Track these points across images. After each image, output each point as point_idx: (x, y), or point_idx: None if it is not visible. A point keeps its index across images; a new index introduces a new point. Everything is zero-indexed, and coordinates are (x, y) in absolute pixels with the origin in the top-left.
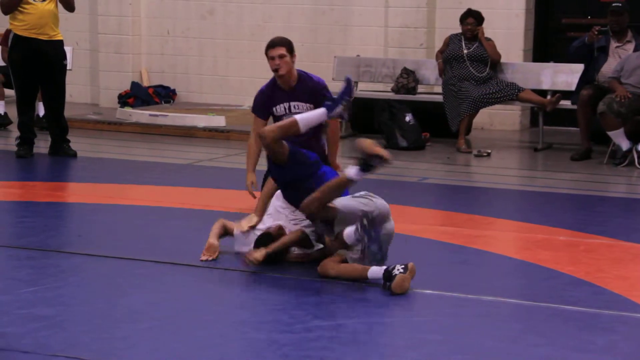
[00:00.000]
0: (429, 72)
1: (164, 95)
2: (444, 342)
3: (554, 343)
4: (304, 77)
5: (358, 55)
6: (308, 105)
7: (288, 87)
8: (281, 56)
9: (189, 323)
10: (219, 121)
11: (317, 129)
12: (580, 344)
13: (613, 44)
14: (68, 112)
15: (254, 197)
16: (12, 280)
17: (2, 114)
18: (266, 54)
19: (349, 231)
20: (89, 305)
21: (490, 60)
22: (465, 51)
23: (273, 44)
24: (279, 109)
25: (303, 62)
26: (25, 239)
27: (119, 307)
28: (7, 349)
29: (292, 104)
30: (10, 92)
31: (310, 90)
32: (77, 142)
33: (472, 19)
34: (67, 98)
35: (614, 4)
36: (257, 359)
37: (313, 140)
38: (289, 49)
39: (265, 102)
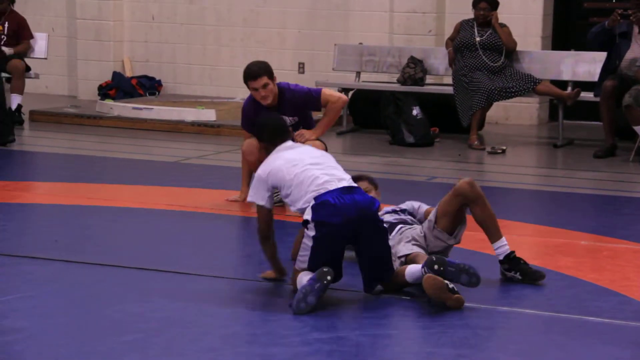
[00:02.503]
0: (438, 61)
1: (148, 86)
2: (456, 357)
3: (576, 356)
4: (284, 91)
5: (361, 43)
6: (291, 118)
7: (271, 106)
8: (265, 85)
9: (176, 336)
10: (208, 115)
11: (307, 116)
12: (605, 357)
13: (636, 29)
14: (44, 105)
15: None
16: None
17: (15, 108)
18: (247, 84)
19: (413, 272)
20: (67, 316)
21: (505, 49)
22: (477, 39)
23: (253, 75)
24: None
25: (301, 51)
26: None
27: (101, 318)
28: None
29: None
30: None
31: (293, 104)
32: (54, 138)
33: (486, 3)
34: (42, 89)
35: None
36: None
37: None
38: (269, 75)
39: (251, 118)
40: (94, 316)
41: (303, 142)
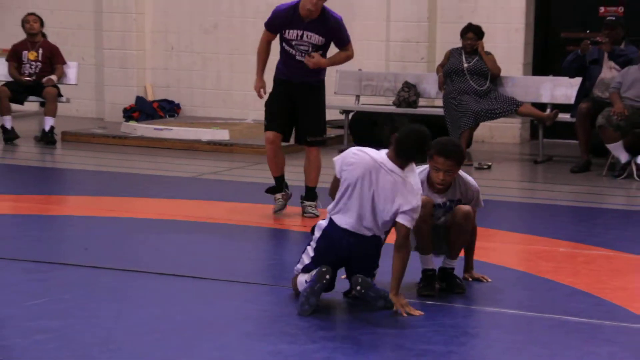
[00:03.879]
0: (430, 85)
1: (168, 109)
2: (448, 353)
3: (556, 354)
4: (326, 12)
5: (360, 70)
6: (321, 38)
7: (308, 19)
8: None
9: (195, 335)
10: (222, 135)
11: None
12: (582, 355)
13: (605, 55)
14: (74, 127)
15: (261, 97)
16: (19, 293)
17: (9, 128)
18: None
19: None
20: (96, 317)
21: (490, 74)
22: (465, 65)
23: None
24: (291, 33)
25: None
26: (31, 252)
27: (125, 318)
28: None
29: (306, 33)
30: (17, 107)
31: (327, 26)
32: (83, 156)
33: (472, 33)
34: (73, 113)
35: (608, 18)
36: None
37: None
38: None
39: (281, 23)
40: (120, 317)
41: (312, 63)
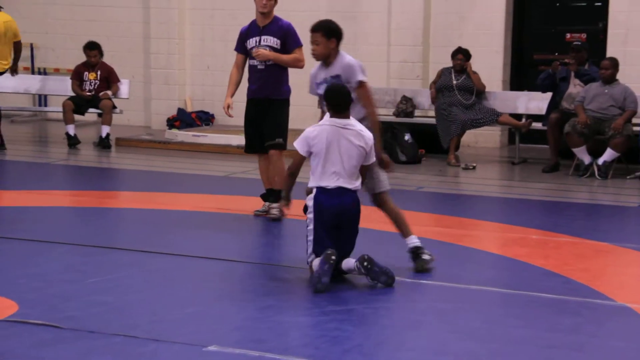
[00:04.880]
0: (424, 99)
1: (204, 119)
2: (438, 323)
3: (529, 325)
4: (276, 19)
5: None
6: (276, 40)
7: (262, 24)
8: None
9: (225, 308)
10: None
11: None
12: (551, 325)
13: (572, 74)
14: (126, 133)
15: (230, 117)
16: (80, 272)
17: (73, 135)
18: None
19: (348, 262)
20: (144, 293)
21: (475, 90)
22: (455, 82)
23: None
24: (251, 42)
25: None
26: (90, 238)
27: (169, 295)
28: (76, 329)
29: (263, 37)
30: (79, 117)
31: (281, 30)
32: (134, 159)
33: (462, 55)
34: (125, 122)
35: (574, 43)
36: (282, 337)
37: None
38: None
39: (243, 39)
40: (163, 293)
41: (260, 53)
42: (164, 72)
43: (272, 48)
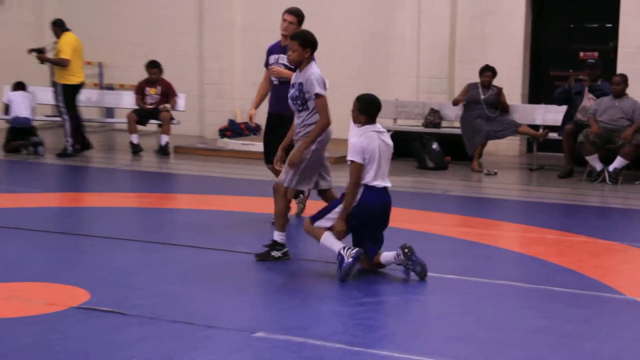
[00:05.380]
0: (450, 111)
1: (252, 129)
2: (464, 314)
3: (546, 316)
4: None
5: (397, 99)
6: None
7: (284, 44)
8: (291, 22)
9: (271, 299)
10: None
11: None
12: (566, 316)
13: (586, 89)
14: (183, 142)
15: (252, 125)
16: (144, 265)
17: (136, 143)
18: (282, 15)
19: (387, 255)
20: (198, 284)
21: (501, 107)
22: (482, 96)
23: (289, 11)
24: (272, 58)
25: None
26: (153, 235)
27: (220, 286)
28: (141, 316)
29: (281, 55)
30: (141, 128)
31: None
32: (190, 165)
33: (490, 72)
34: (182, 132)
35: (588, 60)
36: (322, 325)
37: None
38: (298, 19)
39: (268, 55)
40: (216, 284)
41: (274, 70)
42: (216, 87)
43: (286, 66)
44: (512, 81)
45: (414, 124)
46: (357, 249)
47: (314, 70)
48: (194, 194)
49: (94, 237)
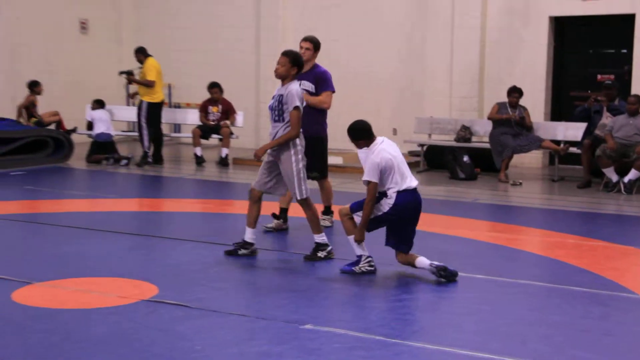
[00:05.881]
0: (479, 127)
1: None
2: (491, 310)
3: (566, 313)
4: (314, 66)
5: (431, 117)
6: (311, 85)
7: (303, 71)
8: (307, 49)
9: (317, 294)
10: (338, 160)
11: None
12: (584, 313)
13: (605, 108)
14: (241, 154)
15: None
16: (205, 264)
17: (200, 155)
18: (300, 43)
19: (422, 262)
20: (252, 280)
21: (526, 125)
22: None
23: (305, 39)
24: None
25: (394, 121)
26: (214, 237)
27: (271, 282)
28: (202, 308)
29: (301, 81)
30: (204, 142)
31: (314, 75)
32: (246, 174)
33: (517, 93)
34: (240, 145)
35: (606, 82)
36: (363, 318)
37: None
38: (314, 46)
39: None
40: (267, 280)
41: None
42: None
43: (307, 91)
44: (536, 101)
45: (446, 139)
46: (373, 268)
47: (295, 86)
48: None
49: (163, 238)
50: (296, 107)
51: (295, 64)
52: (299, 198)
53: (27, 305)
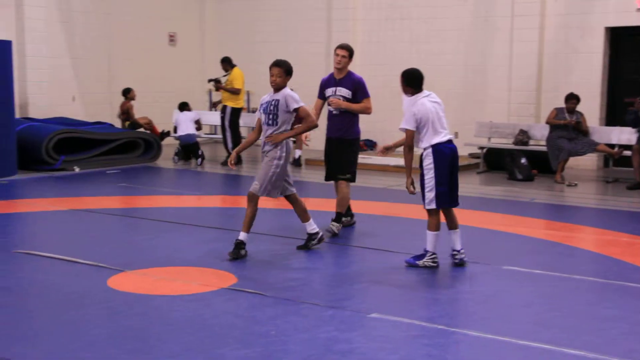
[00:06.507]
0: (537, 132)
1: (369, 145)
2: (546, 303)
3: (619, 307)
4: (349, 73)
5: (491, 121)
6: (348, 91)
7: (338, 77)
8: (343, 56)
9: (390, 286)
10: (399, 161)
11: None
12: (636, 307)
13: None
14: (312, 156)
15: (306, 145)
16: (279, 255)
17: (297, 158)
18: (335, 50)
19: (455, 241)
20: (321, 271)
21: (582, 130)
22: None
23: (341, 46)
24: (328, 91)
25: (456, 126)
26: (286, 231)
27: (340, 273)
28: (276, 297)
29: (338, 88)
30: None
31: (351, 82)
32: (316, 173)
33: (574, 99)
34: (312, 147)
35: None
36: (426, 309)
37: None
38: (349, 53)
39: (323, 87)
40: (337, 272)
41: (334, 102)
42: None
43: (344, 98)
44: (591, 107)
45: (505, 142)
46: (435, 264)
47: (288, 90)
48: (321, 198)
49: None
50: (298, 108)
51: (289, 74)
52: (257, 195)
53: (120, 291)
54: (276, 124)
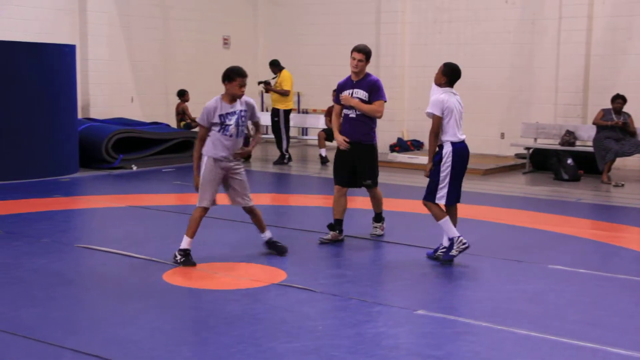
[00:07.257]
0: (583, 132)
1: (416, 145)
2: (592, 302)
3: None
4: (367, 75)
5: (537, 122)
6: (365, 93)
7: (355, 80)
8: (360, 60)
9: (431, 283)
10: None
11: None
12: None
13: None
14: None
15: (344, 145)
16: (339, 257)
17: (324, 156)
18: (351, 53)
19: (451, 231)
20: (368, 268)
21: (630, 131)
22: (615, 121)
23: (357, 50)
24: (346, 93)
25: (502, 126)
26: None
27: (387, 271)
28: (324, 293)
29: (355, 90)
30: (328, 143)
31: (367, 83)
32: None
33: (621, 100)
34: None
35: None
36: (468, 306)
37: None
38: (366, 56)
39: (340, 90)
40: (382, 270)
41: (345, 97)
42: (388, 111)
43: (360, 99)
44: (639, 107)
45: (551, 143)
46: (466, 244)
47: (248, 97)
48: (363, 197)
49: (291, 229)
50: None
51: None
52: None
53: (175, 285)
54: (242, 135)
